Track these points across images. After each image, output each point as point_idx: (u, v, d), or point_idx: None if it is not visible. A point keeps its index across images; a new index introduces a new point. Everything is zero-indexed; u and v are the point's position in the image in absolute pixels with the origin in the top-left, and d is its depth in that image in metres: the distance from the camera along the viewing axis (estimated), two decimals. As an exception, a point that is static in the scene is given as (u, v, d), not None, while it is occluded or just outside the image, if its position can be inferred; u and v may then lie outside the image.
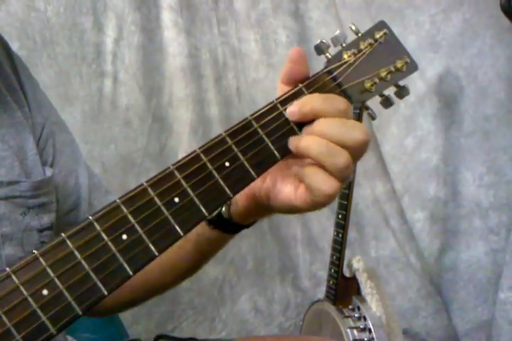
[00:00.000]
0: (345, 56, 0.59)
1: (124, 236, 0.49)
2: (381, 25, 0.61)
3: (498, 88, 1.61)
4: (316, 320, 1.44)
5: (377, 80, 0.59)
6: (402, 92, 0.62)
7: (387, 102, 0.62)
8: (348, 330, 1.28)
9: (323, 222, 1.79)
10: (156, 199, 0.51)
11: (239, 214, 0.66)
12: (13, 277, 0.45)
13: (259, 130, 0.55)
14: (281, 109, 0.56)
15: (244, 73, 1.76)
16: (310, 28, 1.76)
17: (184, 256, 0.72)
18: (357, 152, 0.55)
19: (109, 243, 0.48)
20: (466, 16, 1.61)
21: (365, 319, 1.29)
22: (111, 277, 0.48)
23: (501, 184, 1.64)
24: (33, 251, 0.46)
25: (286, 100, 0.57)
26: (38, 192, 0.66)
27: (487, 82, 1.61)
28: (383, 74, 0.60)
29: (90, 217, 0.49)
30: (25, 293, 0.45)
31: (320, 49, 0.59)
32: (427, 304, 1.75)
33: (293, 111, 0.56)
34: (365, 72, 0.59)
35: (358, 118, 1.22)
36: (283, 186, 0.59)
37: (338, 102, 0.56)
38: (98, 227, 0.48)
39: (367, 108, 0.62)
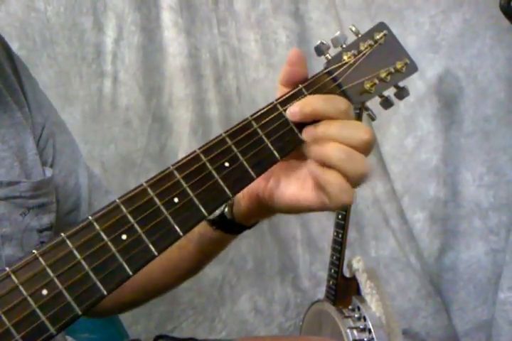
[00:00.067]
0: (345, 57, 0.59)
1: (124, 236, 0.49)
2: (381, 26, 0.61)
3: (497, 88, 1.61)
4: (316, 320, 1.44)
5: (376, 81, 0.60)
6: (401, 93, 0.62)
7: (386, 103, 0.62)
8: (348, 330, 1.28)
9: (323, 222, 1.79)
10: (156, 200, 0.51)
11: (242, 215, 0.66)
12: (13, 277, 0.45)
13: (258, 130, 0.55)
14: (281, 109, 0.56)
15: (244, 73, 1.76)
16: (310, 28, 1.76)
17: (186, 256, 0.72)
18: (363, 153, 0.55)
19: (109, 243, 0.48)
20: (465, 17, 1.61)
21: (364, 319, 1.29)
22: (110, 277, 0.48)
23: (501, 184, 1.64)
24: (33, 250, 0.46)
25: (286, 101, 0.57)
26: (37, 192, 0.66)
27: (487, 83, 1.61)
28: (383, 75, 0.60)
29: (90, 217, 0.49)
30: (24, 292, 0.45)
31: (320, 50, 0.59)
32: (426, 304, 1.75)
33: (294, 111, 0.56)
34: (364, 73, 0.59)
35: (358, 118, 1.22)
36: (287, 187, 0.59)
37: (339, 103, 0.56)
38: (98, 227, 0.48)
39: (366, 109, 0.62)
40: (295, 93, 0.57)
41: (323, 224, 1.79)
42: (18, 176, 0.65)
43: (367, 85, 0.59)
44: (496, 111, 1.62)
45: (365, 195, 1.78)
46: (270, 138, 0.56)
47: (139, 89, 1.62)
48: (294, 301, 1.81)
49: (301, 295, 1.81)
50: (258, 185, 0.61)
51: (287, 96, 0.57)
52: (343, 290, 1.36)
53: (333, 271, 1.36)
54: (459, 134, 1.68)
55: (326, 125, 0.55)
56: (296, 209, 0.60)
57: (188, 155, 0.53)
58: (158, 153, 1.65)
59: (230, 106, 1.74)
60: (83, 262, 0.47)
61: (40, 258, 0.46)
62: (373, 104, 0.62)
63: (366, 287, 1.32)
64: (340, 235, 1.34)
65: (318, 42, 0.59)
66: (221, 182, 0.54)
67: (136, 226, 0.50)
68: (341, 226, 1.34)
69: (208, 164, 0.53)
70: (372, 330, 1.26)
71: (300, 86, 0.57)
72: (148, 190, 0.51)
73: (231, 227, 0.67)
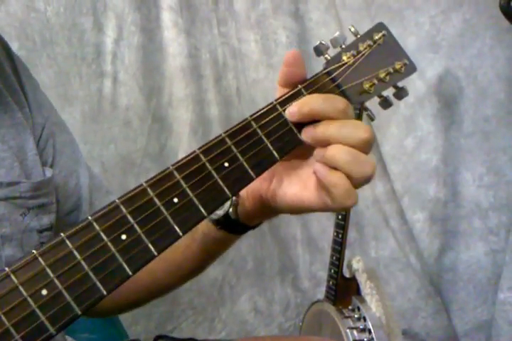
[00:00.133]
0: (344, 57, 0.59)
1: (124, 236, 0.49)
2: (380, 26, 0.61)
3: (497, 89, 1.61)
4: (316, 320, 1.44)
5: (376, 81, 0.60)
6: (400, 93, 0.62)
7: (385, 103, 0.62)
8: (348, 331, 1.28)
9: (323, 222, 1.79)
10: (156, 200, 0.51)
11: (246, 215, 0.66)
12: (13, 277, 0.45)
13: (258, 131, 0.56)
14: (280, 109, 0.56)
15: (244, 73, 1.76)
16: (310, 28, 1.76)
17: (190, 256, 0.72)
18: (363, 152, 0.55)
19: (109, 243, 0.49)
20: (465, 17, 1.61)
21: (364, 319, 1.29)
22: (110, 277, 0.48)
23: (501, 184, 1.64)
24: (33, 250, 0.46)
25: (286, 101, 0.57)
26: (37, 192, 0.66)
27: (487, 83, 1.61)
28: (382, 76, 0.60)
29: (89, 217, 0.49)
30: (24, 293, 0.45)
31: (319, 50, 0.59)
32: (426, 304, 1.75)
33: (292, 111, 0.56)
34: (364, 74, 0.59)
35: (358, 118, 1.22)
36: (289, 187, 0.60)
37: (338, 102, 0.56)
38: (97, 227, 0.48)
39: (366, 109, 0.62)
40: (294, 93, 0.57)
41: (323, 224, 1.79)
42: (18, 176, 0.65)
43: (366, 85, 0.59)
44: (495, 111, 1.62)
45: (365, 195, 1.78)
46: (270, 139, 0.56)
47: (139, 89, 1.62)
48: (294, 301, 1.81)
49: (301, 295, 1.81)
50: (261, 185, 0.61)
51: (287, 96, 0.57)
52: (343, 290, 1.36)
53: (333, 271, 1.36)
54: (459, 134, 1.68)
55: (326, 125, 0.55)
56: (298, 210, 0.60)
57: (188, 156, 0.53)
58: (158, 153, 1.65)
59: (230, 107, 1.74)
60: (83, 262, 0.47)
61: (40, 259, 0.46)
62: (372, 104, 0.62)
63: (366, 287, 1.32)
64: (340, 235, 1.34)
65: (318, 42, 0.59)
66: (221, 183, 0.54)
67: (135, 226, 0.50)
68: (341, 227, 1.34)
69: (207, 164, 0.53)
70: (372, 330, 1.26)
71: (299, 86, 0.57)
72: (148, 190, 0.51)
73: (235, 227, 0.67)
